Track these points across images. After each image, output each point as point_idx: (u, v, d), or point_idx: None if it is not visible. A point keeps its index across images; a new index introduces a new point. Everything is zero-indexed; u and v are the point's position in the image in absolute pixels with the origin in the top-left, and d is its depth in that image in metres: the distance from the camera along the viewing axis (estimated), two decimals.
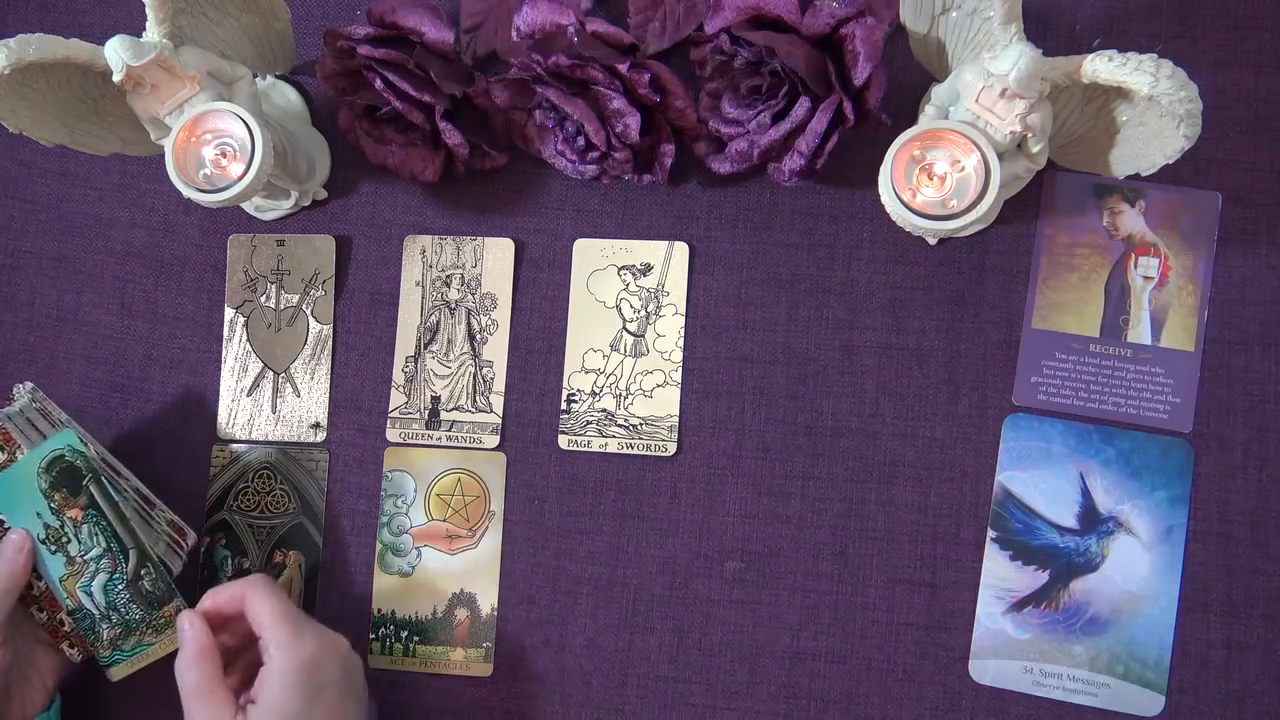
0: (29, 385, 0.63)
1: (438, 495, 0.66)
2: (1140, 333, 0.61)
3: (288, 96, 0.68)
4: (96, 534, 0.59)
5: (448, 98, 0.61)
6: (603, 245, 0.66)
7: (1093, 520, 0.61)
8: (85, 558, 0.59)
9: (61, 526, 0.59)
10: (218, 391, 0.68)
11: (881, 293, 0.63)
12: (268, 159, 0.57)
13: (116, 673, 0.61)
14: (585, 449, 0.64)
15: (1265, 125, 0.61)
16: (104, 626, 0.60)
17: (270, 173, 0.58)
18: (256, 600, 0.55)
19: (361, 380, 0.67)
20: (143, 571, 0.59)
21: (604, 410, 0.64)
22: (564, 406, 0.65)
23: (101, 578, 0.59)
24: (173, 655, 0.56)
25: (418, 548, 0.65)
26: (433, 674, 0.65)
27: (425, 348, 0.67)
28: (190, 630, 0.55)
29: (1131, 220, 0.62)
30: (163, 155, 0.58)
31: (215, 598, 0.57)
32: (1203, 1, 0.62)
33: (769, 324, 0.64)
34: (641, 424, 0.64)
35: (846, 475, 0.63)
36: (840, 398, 0.63)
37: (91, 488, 0.59)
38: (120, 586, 0.59)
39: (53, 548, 0.59)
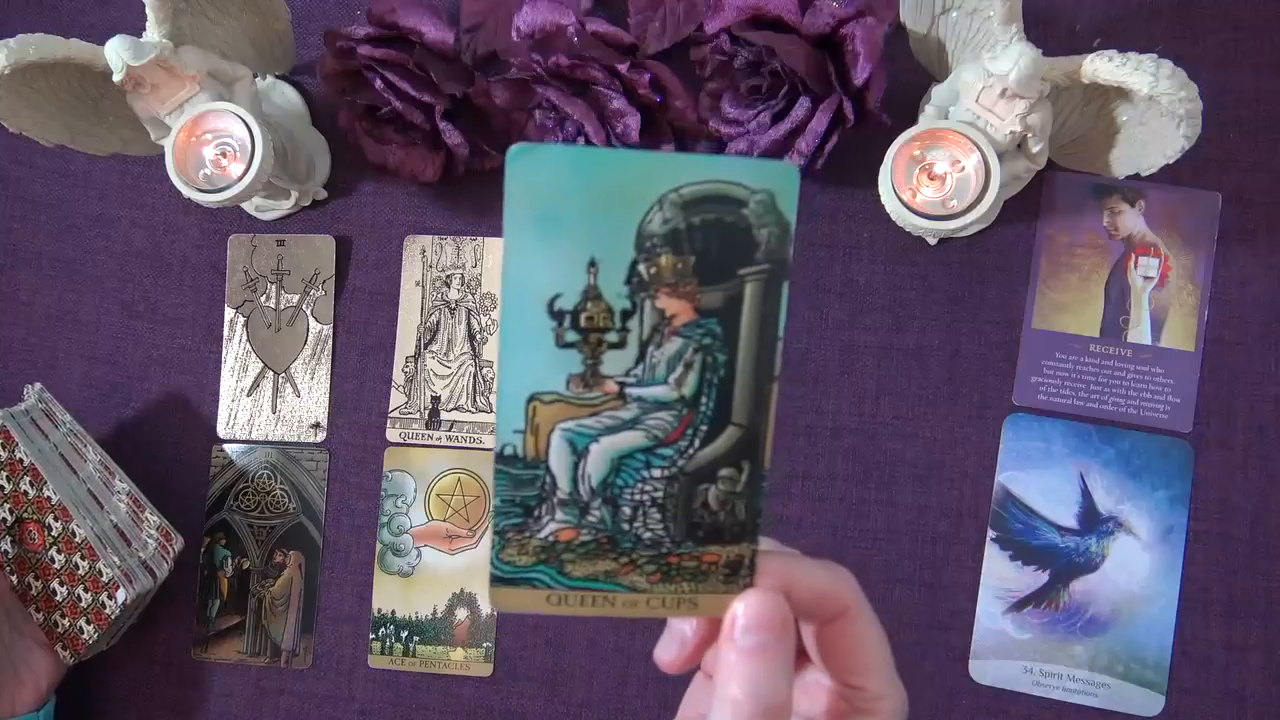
0: (38, 387, 0.63)
1: (438, 495, 0.66)
2: (1140, 333, 0.61)
3: (288, 96, 0.68)
4: (692, 366, 0.29)
5: (448, 98, 0.61)
6: None
7: (1093, 520, 0.61)
8: (638, 394, 0.29)
9: (637, 317, 0.28)
10: (218, 392, 0.68)
11: (881, 293, 0.63)
12: (268, 159, 0.57)
13: (502, 602, 0.30)
14: None
15: (1265, 125, 0.61)
16: (558, 516, 0.30)
17: (270, 173, 0.58)
18: (867, 629, 0.34)
19: (361, 380, 0.67)
20: (724, 474, 0.30)
21: None
22: None
23: (633, 440, 0.29)
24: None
25: (418, 548, 0.65)
26: (433, 674, 0.65)
27: (425, 348, 0.67)
28: (772, 667, 0.30)
29: (1131, 220, 0.62)
30: (163, 155, 0.58)
31: (799, 579, 0.32)
32: (1203, 1, 0.62)
33: None
34: None
35: (846, 475, 0.63)
36: (840, 398, 0.63)
37: (749, 288, 0.28)
38: (660, 473, 0.30)
39: (609, 336, 0.29)
